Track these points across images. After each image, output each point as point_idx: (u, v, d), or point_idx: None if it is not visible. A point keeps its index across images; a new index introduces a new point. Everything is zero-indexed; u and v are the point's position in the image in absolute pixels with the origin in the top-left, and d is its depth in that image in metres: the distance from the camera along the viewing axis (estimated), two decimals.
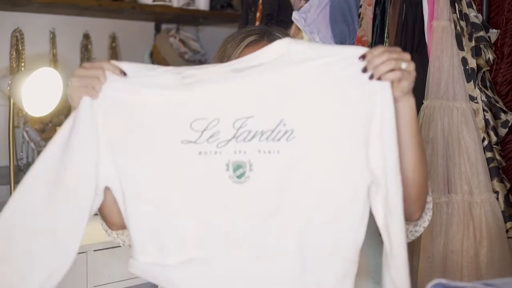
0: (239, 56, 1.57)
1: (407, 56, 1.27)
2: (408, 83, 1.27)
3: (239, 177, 1.27)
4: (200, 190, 1.29)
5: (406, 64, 1.26)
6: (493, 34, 2.06)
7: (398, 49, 1.28)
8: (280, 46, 1.31)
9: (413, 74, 1.27)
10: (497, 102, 2.03)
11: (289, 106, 1.27)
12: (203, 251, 1.29)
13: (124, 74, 1.33)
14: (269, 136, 1.26)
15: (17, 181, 2.40)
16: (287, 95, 1.28)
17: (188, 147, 1.28)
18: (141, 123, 1.30)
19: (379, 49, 1.27)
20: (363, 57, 1.27)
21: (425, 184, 1.38)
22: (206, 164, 1.28)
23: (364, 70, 1.26)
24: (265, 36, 1.59)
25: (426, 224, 1.47)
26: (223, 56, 1.60)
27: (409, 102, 1.31)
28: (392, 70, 1.25)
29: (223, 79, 1.31)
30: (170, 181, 1.29)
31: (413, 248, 1.99)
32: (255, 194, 1.28)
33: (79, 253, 1.97)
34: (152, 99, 1.30)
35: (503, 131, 2.04)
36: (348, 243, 1.29)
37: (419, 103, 2.03)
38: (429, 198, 1.45)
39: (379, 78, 1.26)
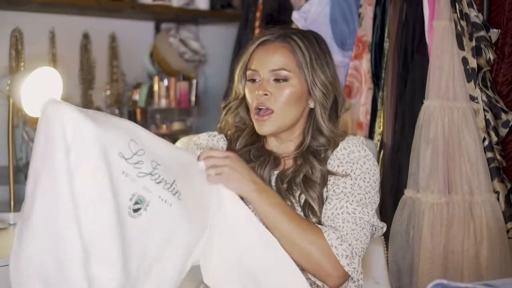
0: (251, 55, 1.63)
1: (214, 160, 1.48)
2: (221, 179, 1.48)
3: (134, 211, 1.35)
4: (108, 210, 1.32)
5: (213, 170, 1.48)
6: (494, 34, 2.05)
7: (213, 152, 1.50)
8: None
9: (222, 176, 1.48)
10: (497, 102, 2.03)
11: (179, 174, 1.43)
12: (105, 271, 1.33)
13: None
14: (169, 188, 1.40)
15: (16, 181, 2.40)
16: (181, 168, 1.45)
17: (120, 162, 1.34)
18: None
19: (202, 155, 1.50)
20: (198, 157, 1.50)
21: (307, 261, 1.48)
22: (122, 186, 1.34)
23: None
24: (280, 38, 1.61)
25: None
26: (242, 53, 1.67)
27: (246, 195, 1.49)
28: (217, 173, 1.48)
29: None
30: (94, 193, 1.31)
31: (414, 248, 1.99)
32: (139, 233, 1.36)
33: None
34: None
35: (503, 131, 2.03)
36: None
37: (419, 103, 2.03)
38: (346, 265, 1.49)
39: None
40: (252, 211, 1.50)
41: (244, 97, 1.66)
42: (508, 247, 1.96)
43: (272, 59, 1.59)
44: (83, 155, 1.28)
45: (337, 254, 1.46)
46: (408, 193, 2.02)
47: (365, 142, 1.65)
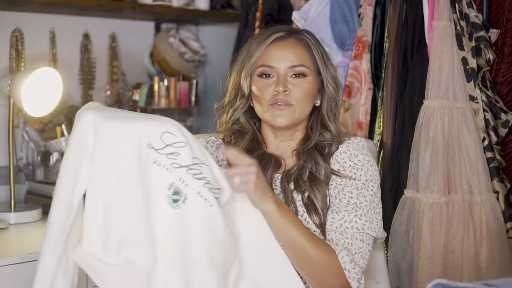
0: (264, 51, 1.62)
1: (239, 169, 1.43)
2: (245, 187, 1.44)
3: (174, 201, 1.38)
4: (143, 197, 1.37)
5: (238, 178, 1.43)
6: (493, 34, 2.06)
7: (242, 160, 1.44)
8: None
9: (248, 185, 1.43)
10: (497, 102, 2.03)
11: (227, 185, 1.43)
12: (137, 255, 1.37)
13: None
14: (212, 188, 1.40)
15: (17, 181, 2.40)
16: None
17: (149, 152, 1.37)
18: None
19: (228, 152, 1.46)
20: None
21: (317, 280, 1.51)
22: (155, 175, 1.37)
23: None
24: (292, 35, 1.64)
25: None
26: (248, 52, 1.64)
27: (262, 208, 1.46)
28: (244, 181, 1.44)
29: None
30: (121, 180, 1.37)
31: (413, 248, 1.99)
32: (179, 223, 1.38)
33: None
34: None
35: (503, 131, 2.04)
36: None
37: (419, 103, 2.03)
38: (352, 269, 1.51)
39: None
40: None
41: (249, 96, 1.65)
42: (507, 247, 1.96)
43: (290, 55, 1.61)
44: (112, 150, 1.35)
45: (349, 277, 1.49)
46: (408, 193, 2.02)
47: (366, 144, 1.66)
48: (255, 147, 1.66)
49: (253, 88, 1.63)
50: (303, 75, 1.61)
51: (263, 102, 1.62)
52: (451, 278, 1.92)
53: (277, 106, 1.59)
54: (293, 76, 1.60)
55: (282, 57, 1.61)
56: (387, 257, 2.03)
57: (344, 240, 1.53)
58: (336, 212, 1.56)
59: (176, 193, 1.38)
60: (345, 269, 1.49)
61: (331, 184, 1.59)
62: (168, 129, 1.39)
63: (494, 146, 2.01)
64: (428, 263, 1.95)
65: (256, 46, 1.63)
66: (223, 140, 1.71)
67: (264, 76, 1.62)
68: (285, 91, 1.58)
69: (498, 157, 2.01)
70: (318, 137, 1.64)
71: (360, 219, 1.55)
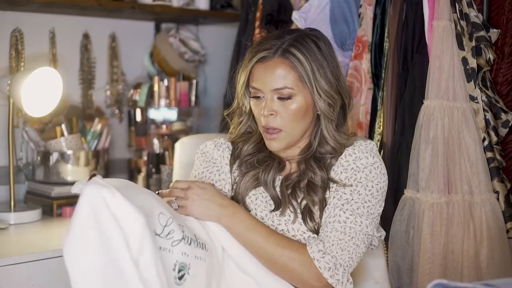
0: (251, 70, 1.59)
1: (178, 192, 1.54)
2: (185, 212, 1.52)
3: (179, 278, 1.37)
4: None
5: (174, 203, 1.52)
6: (494, 34, 2.06)
7: (178, 184, 1.56)
8: None
9: (187, 206, 1.52)
10: (497, 102, 2.03)
11: (186, 223, 1.46)
12: None
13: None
14: (197, 244, 1.42)
15: (16, 181, 2.40)
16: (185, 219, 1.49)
17: (157, 240, 1.35)
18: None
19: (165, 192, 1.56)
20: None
21: (289, 277, 1.52)
22: (164, 261, 1.34)
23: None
24: (278, 52, 1.56)
25: None
26: (244, 65, 1.62)
27: (215, 222, 1.52)
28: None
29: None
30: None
31: (413, 248, 1.99)
32: None
33: None
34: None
35: (503, 131, 2.04)
36: None
37: (419, 103, 2.03)
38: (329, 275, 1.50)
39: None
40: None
41: (250, 111, 1.65)
42: (508, 247, 1.96)
43: (273, 78, 1.55)
44: (141, 240, 1.29)
45: (319, 266, 1.47)
46: (408, 193, 2.02)
47: (375, 148, 1.63)
48: (261, 148, 1.66)
49: (251, 106, 1.63)
50: (289, 97, 1.55)
51: (258, 123, 1.62)
52: (451, 278, 1.92)
53: (268, 135, 1.59)
54: (279, 98, 1.56)
55: (266, 79, 1.56)
56: (387, 257, 2.03)
57: (323, 233, 1.52)
58: (324, 211, 1.55)
59: (181, 268, 1.37)
60: (313, 259, 1.48)
61: (332, 188, 1.58)
62: (160, 210, 1.38)
63: (494, 146, 2.01)
64: (428, 263, 1.95)
65: (246, 63, 1.60)
66: (232, 142, 1.71)
67: (255, 97, 1.60)
68: (271, 114, 1.56)
69: (498, 157, 2.01)
70: (319, 148, 1.61)
71: (344, 213, 1.52)
